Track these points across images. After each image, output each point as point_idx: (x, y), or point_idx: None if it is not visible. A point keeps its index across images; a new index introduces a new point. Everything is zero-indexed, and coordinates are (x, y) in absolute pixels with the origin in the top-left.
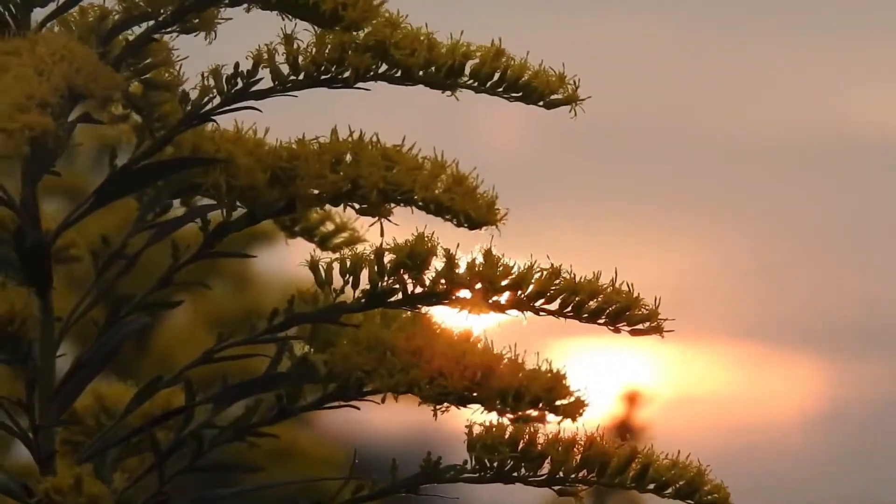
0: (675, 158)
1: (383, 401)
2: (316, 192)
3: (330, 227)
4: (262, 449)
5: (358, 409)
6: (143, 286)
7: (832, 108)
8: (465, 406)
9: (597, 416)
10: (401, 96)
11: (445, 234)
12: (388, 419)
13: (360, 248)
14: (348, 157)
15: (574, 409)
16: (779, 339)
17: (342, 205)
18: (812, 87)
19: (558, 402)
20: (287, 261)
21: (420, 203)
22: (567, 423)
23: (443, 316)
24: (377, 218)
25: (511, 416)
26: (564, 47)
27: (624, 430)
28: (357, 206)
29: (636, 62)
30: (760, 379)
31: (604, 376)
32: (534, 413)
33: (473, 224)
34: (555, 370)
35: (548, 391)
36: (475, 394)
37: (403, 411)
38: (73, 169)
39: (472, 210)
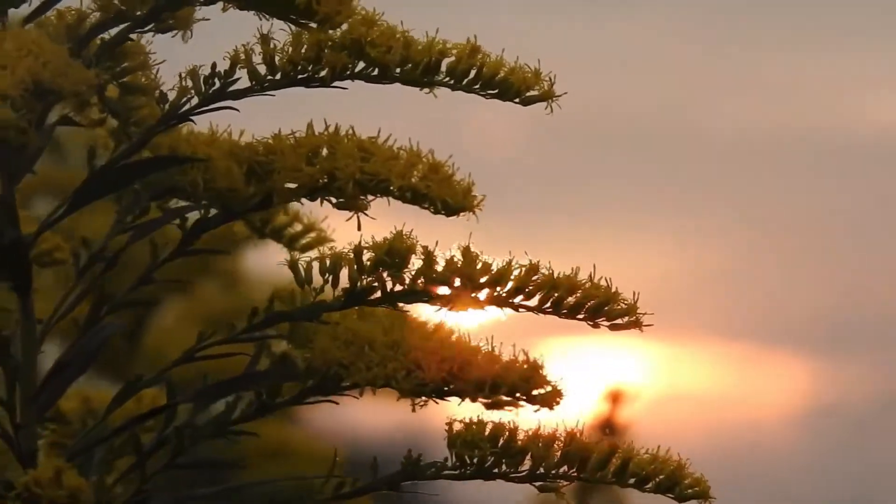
0: (664, 158)
1: (361, 395)
2: (293, 185)
3: (298, 227)
4: (256, 447)
5: (337, 403)
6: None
7: (814, 107)
8: (442, 399)
9: (580, 414)
10: (397, 99)
11: (424, 231)
12: (381, 417)
13: (339, 246)
14: (324, 151)
15: (551, 399)
16: (765, 338)
17: (319, 199)
18: (805, 86)
19: (535, 392)
20: (277, 260)
21: (396, 192)
22: (547, 419)
23: (426, 313)
24: (354, 212)
25: (489, 405)
26: (561, 47)
27: (607, 427)
28: (334, 199)
29: (632, 62)
30: (747, 378)
31: (589, 375)
32: (507, 399)
33: (451, 210)
34: (531, 360)
35: (525, 380)
36: (452, 386)
37: (397, 409)
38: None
39: (448, 196)
